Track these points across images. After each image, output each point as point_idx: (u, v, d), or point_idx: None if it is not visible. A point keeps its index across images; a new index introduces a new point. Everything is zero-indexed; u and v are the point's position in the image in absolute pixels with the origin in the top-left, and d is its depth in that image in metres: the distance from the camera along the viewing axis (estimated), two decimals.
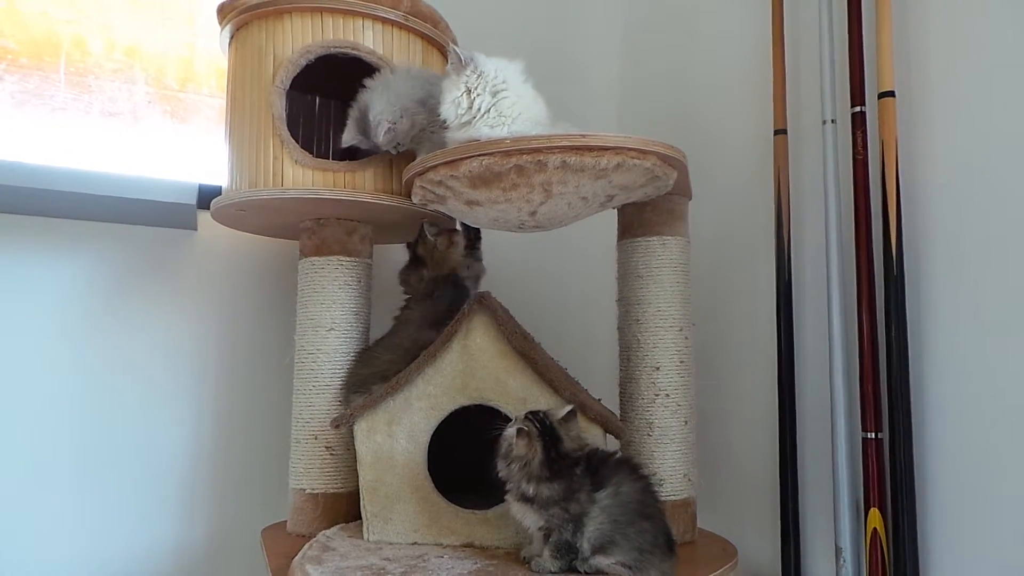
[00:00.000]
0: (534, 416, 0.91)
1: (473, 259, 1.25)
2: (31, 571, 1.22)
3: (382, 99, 1.10)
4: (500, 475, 0.92)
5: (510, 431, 0.90)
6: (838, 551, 1.08)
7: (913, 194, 1.06)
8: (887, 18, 1.06)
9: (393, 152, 1.13)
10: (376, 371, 1.13)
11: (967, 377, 0.98)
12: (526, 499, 0.89)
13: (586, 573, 0.88)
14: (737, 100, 1.44)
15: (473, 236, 1.27)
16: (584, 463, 0.91)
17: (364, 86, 1.13)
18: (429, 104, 1.08)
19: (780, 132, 1.26)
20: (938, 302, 1.02)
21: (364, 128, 1.11)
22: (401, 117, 1.09)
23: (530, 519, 0.90)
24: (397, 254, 1.47)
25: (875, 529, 1.02)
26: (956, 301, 1.00)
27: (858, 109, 1.10)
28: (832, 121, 1.16)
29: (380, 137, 1.09)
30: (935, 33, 1.05)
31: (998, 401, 0.94)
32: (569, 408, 0.94)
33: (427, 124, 1.10)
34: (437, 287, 1.18)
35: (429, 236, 1.19)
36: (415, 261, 1.21)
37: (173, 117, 1.44)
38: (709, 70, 1.53)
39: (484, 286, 1.10)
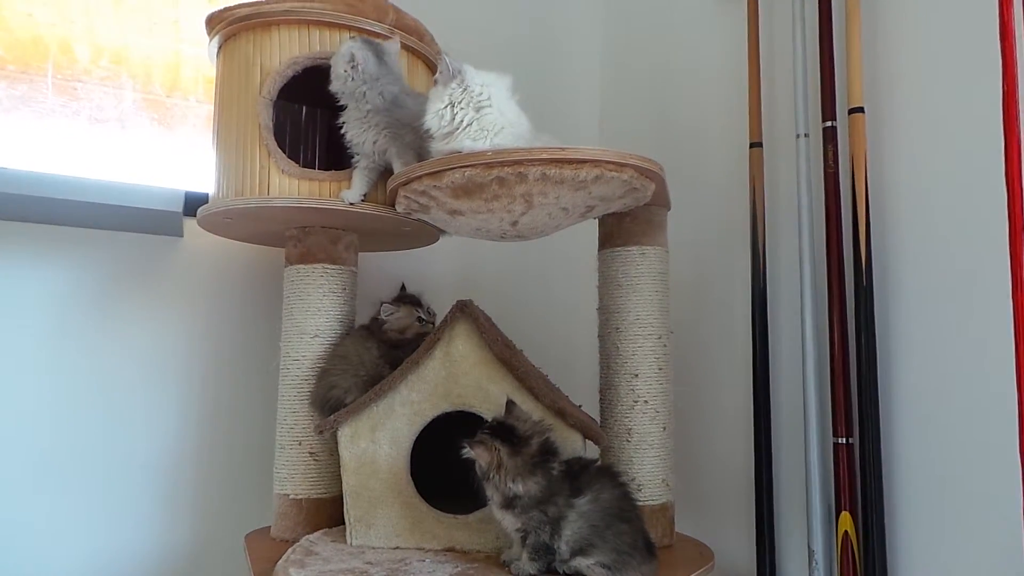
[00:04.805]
0: (479, 430, 0.93)
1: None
2: (15, 573, 1.22)
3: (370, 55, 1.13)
4: (488, 492, 0.93)
5: (465, 451, 0.92)
6: (811, 553, 1.11)
7: (881, 206, 1.09)
8: (856, 37, 1.10)
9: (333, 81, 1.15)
10: (342, 390, 1.12)
11: (933, 384, 1.02)
12: (508, 503, 0.91)
13: (565, 574, 0.90)
14: (715, 114, 1.47)
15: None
16: (564, 467, 0.93)
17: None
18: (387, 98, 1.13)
19: (756, 145, 1.29)
20: (905, 311, 1.06)
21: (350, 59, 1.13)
22: (368, 70, 1.12)
23: (509, 521, 0.92)
24: (382, 261, 1.49)
25: (846, 532, 1.05)
26: (922, 310, 1.04)
27: (829, 124, 1.14)
28: (805, 135, 1.20)
29: (345, 54, 1.12)
30: (902, 52, 1.09)
31: (962, 407, 0.98)
32: (505, 403, 0.97)
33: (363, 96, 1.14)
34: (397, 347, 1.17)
35: (383, 316, 1.17)
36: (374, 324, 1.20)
37: (160, 124, 1.45)
38: (688, 85, 1.57)
39: (467, 294, 1.11)
